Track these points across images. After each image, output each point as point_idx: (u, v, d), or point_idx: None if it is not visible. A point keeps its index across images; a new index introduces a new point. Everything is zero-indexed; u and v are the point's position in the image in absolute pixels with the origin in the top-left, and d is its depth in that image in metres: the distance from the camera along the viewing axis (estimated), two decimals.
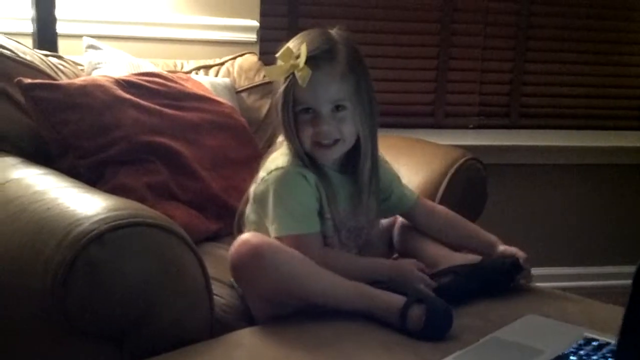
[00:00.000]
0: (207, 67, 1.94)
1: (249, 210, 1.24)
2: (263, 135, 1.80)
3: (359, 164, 1.21)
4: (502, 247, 1.30)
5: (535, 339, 0.99)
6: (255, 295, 1.10)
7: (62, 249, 0.93)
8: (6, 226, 1.06)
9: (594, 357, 0.92)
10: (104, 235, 0.93)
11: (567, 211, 2.62)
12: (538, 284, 1.41)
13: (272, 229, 1.16)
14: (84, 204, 1.02)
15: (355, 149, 1.21)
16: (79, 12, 1.95)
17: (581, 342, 0.97)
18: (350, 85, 1.17)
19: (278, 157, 1.20)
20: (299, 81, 1.12)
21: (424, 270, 1.19)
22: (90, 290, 0.93)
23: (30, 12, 1.80)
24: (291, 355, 0.97)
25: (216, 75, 1.93)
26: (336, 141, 1.18)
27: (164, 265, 0.98)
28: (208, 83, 1.82)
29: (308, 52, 1.12)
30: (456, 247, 1.32)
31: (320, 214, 1.19)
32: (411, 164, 1.65)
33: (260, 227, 1.20)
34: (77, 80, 1.55)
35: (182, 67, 1.90)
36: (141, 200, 1.26)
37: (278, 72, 1.15)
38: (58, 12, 1.82)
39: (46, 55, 1.65)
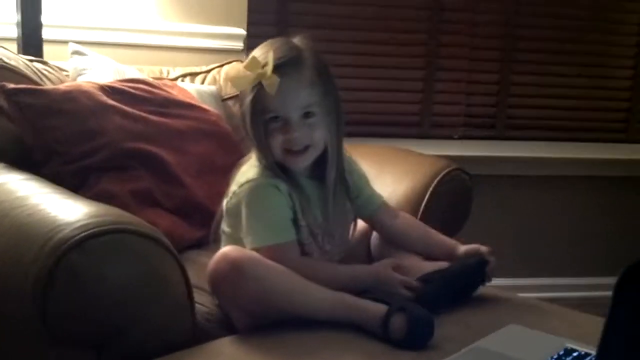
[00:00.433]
0: (193, 75, 1.94)
1: (223, 224, 1.25)
2: (249, 143, 1.80)
3: (326, 169, 1.22)
4: (463, 248, 1.30)
5: (517, 349, 1.00)
6: (235, 308, 1.09)
7: (43, 255, 0.92)
8: None
9: None
10: (85, 242, 0.92)
11: (552, 223, 2.64)
12: (521, 294, 1.41)
13: (247, 241, 1.16)
14: (65, 210, 1.01)
15: (323, 154, 1.22)
16: (64, 17, 1.94)
17: (561, 352, 0.98)
18: (318, 91, 1.18)
19: (248, 170, 1.20)
20: (268, 89, 1.12)
21: (401, 269, 1.19)
22: (71, 298, 0.92)
23: (16, 17, 1.79)
24: None
25: (202, 83, 1.93)
26: (306, 147, 1.18)
27: (145, 273, 0.97)
28: (194, 90, 1.81)
29: (275, 60, 1.12)
30: (419, 253, 1.32)
31: (295, 221, 1.19)
32: (396, 174, 1.65)
33: (235, 240, 1.20)
34: (62, 86, 1.54)
35: (168, 74, 1.90)
36: (124, 207, 1.25)
37: (244, 81, 1.15)
38: (44, 18, 1.81)
39: (31, 61, 1.64)
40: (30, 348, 1.04)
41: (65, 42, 1.80)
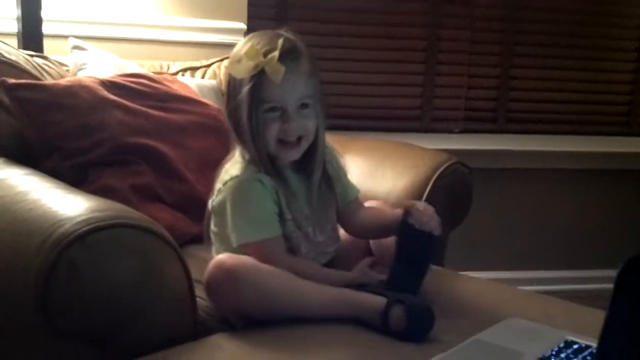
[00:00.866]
0: (193, 69, 1.94)
1: (211, 223, 1.25)
2: (233, 136, 1.79)
3: (312, 160, 1.22)
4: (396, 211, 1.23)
5: (517, 342, 1.00)
6: (233, 314, 1.09)
7: (44, 250, 0.92)
8: None
9: None
10: (86, 236, 0.92)
11: (553, 215, 2.64)
12: (521, 287, 1.41)
13: (232, 238, 1.17)
14: (66, 205, 1.01)
15: (309, 150, 1.22)
16: (64, 12, 1.94)
17: (562, 344, 0.98)
18: (313, 83, 1.19)
19: (231, 167, 1.21)
20: (273, 77, 1.12)
21: (376, 263, 1.20)
22: (72, 292, 0.92)
23: (16, 12, 1.79)
24: (274, 358, 0.96)
25: (202, 77, 1.93)
26: (300, 139, 1.18)
27: (146, 268, 0.97)
28: (194, 85, 1.81)
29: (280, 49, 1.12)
30: (381, 238, 1.28)
31: (280, 215, 1.18)
32: (397, 167, 1.65)
33: (224, 239, 1.20)
34: (62, 81, 1.54)
35: (168, 69, 1.90)
36: (125, 201, 1.25)
37: (245, 69, 1.14)
38: (44, 12, 1.81)
39: (31, 56, 1.64)
40: (32, 343, 1.05)
41: (66, 36, 1.80)
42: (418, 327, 1.03)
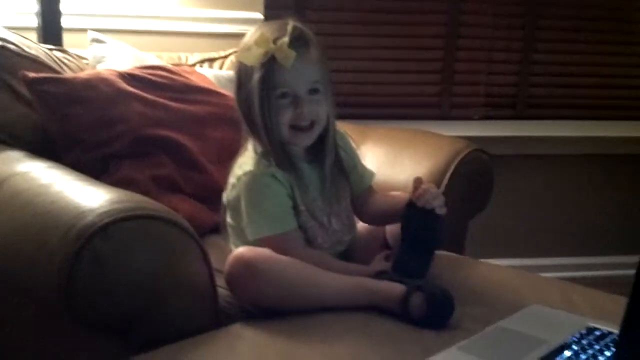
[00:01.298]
0: (211, 60, 1.94)
1: (227, 216, 1.26)
2: (245, 128, 1.80)
3: (324, 147, 1.22)
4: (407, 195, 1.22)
5: (539, 329, 0.99)
6: (254, 305, 1.10)
7: (67, 241, 0.93)
8: (11, 220, 1.07)
9: (596, 347, 0.92)
10: (108, 227, 0.93)
11: (574, 202, 2.62)
12: (543, 274, 1.41)
13: (247, 232, 1.18)
14: (88, 197, 1.02)
15: (320, 137, 1.22)
16: (83, 5, 1.95)
17: (583, 331, 0.97)
18: (323, 69, 1.19)
19: (245, 161, 1.21)
20: (283, 62, 1.13)
21: (391, 255, 1.19)
22: (95, 283, 0.93)
23: (35, 6, 1.80)
24: (294, 346, 0.97)
25: (220, 68, 1.94)
26: (312, 124, 1.19)
27: (167, 258, 0.98)
28: (212, 76, 1.82)
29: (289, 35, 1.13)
30: (390, 221, 1.28)
31: (294, 207, 1.19)
32: (416, 155, 1.65)
33: (238, 232, 1.22)
34: (82, 74, 1.55)
35: (186, 60, 1.91)
36: (145, 193, 1.26)
37: (255, 56, 1.15)
38: (63, 6, 1.82)
39: (51, 49, 1.66)
40: (56, 333, 1.06)
41: (85, 30, 1.81)
42: (438, 314, 1.03)
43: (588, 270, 2.59)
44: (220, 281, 1.09)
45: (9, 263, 1.04)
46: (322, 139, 1.23)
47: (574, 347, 0.93)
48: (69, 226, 0.95)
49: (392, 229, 1.30)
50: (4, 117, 1.46)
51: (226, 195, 1.24)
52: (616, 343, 0.89)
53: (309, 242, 1.21)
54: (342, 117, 1.31)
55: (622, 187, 2.65)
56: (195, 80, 1.70)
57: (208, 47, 2.02)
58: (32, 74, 1.44)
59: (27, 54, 1.54)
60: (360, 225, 1.34)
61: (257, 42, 1.15)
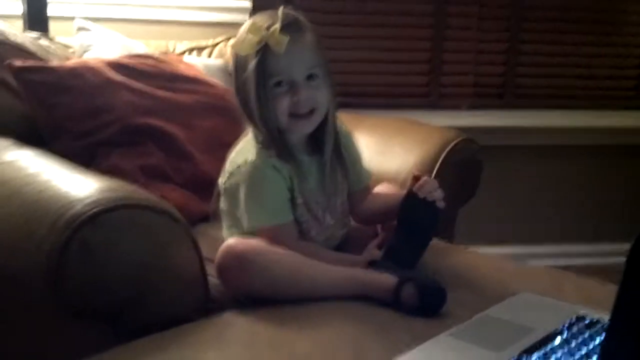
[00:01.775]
0: (199, 49, 1.93)
1: (222, 202, 1.24)
2: (245, 118, 1.79)
3: (323, 135, 1.21)
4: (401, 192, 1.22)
5: (528, 317, 1.00)
6: (245, 295, 1.09)
7: (56, 231, 0.92)
8: None
9: (586, 334, 0.93)
10: (97, 217, 0.93)
11: (561, 191, 2.63)
12: (532, 262, 1.41)
13: (244, 221, 1.17)
14: (76, 186, 1.01)
15: (320, 126, 1.21)
16: None
17: (573, 319, 0.98)
18: (319, 55, 1.18)
19: (245, 149, 1.20)
20: (276, 48, 1.11)
21: (384, 243, 1.19)
22: (84, 272, 0.92)
23: None
24: (285, 334, 0.97)
25: (209, 57, 1.93)
26: (312, 111, 1.17)
27: (157, 247, 0.98)
28: (201, 64, 1.81)
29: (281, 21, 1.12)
30: (385, 219, 1.27)
31: (292, 199, 1.18)
32: (405, 145, 1.65)
33: (233, 219, 1.21)
34: (68, 63, 1.54)
35: (174, 49, 1.90)
36: (134, 182, 1.26)
37: (249, 45, 1.13)
38: None
39: (37, 38, 1.64)
40: (45, 322, 1.06)
41: (71, 18, 1.79)
42: (430, 304, 1.03)
43: (577, 257, 2.61)
44: (210, 270, 1.09)
45: None
46: (322, 127, 1.21)
47: (564, 334, 0.93)
48: (58, 215, 0.94)
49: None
50: None
51: (223, 182, 1.23)
52: (606, 330, 0.89)
53: (303, 234, 1.21)
54: None
55: (610, 176, 2.67)
56: (183, 69, 1.69)
57: (196, 36, 2.01)
58: (18, 63, 1.43)
59: (13, 42, 1.52)
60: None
61: (250, 31, 1.14)
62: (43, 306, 1.02)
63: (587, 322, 0.97)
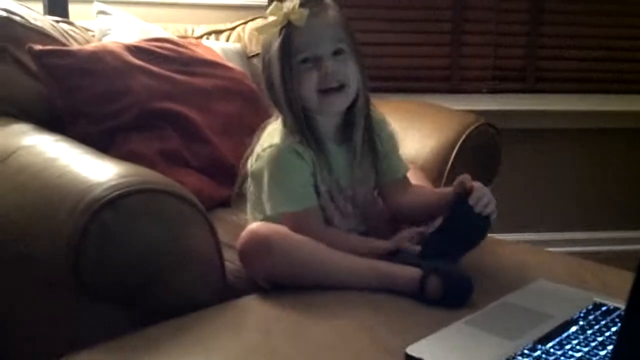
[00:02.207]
0: (217, 32, 1.93)
1: (249, 183, 1.24)
2: (272, 102, 1.79)
3: (354, 127, 1.19)
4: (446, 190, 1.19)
5: (545, 304, 0.99)
6: (266, 282, 1.09)
7: (75, 215, 0.93)
8: (18, 193, 1.07)
9: (603, 322, 0.92)
10: (116, 201, 0.94)
11: (583, 176, 2.60)
12: (550, 249, 1.41)
13: (267, 206, 1.17)
14: (95, 170, 1.02)
15: (350, 109, 1.19)
16: None
17: (590, 307, 0.97)
18: (344, 29, 1.16)
19: (273, 133, 1.18)
20: (297, 22, 1.11)
21: (417, 236, 1.15)
22: (103, 255, 0.94)
23: None
24: (302, 322, 0.97)
25: (227, 41, 1.92)
26: (342, 87, 1.15)
27: (175, 231, 0.98)
28: (219, 48, 1.81)
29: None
30: (424, 217, 1.22)
31: (316, 187, 1.17)
32: (424, 129, 1.64)
33: (257, 203, 1.21)
34: (88, 47, 1.54)
35: (192, 33, 1.89)
36: (152, 166, 1.26)
37: (270, 26, 1.13)
38: None
39: (57, 22, 1.65)
40: (65, 305, 1.07)
41: (91, 1, 1.79)
42: (455, 296, 1.02)
43: (597, 245, 2.59)
44: (228, 255, 1.10)
45: (15, 236, 1.05)
46: (352, 111, 1.19)
47: (581, 322, 0.93)
48: (77, 200, 0.95)
49: None
50: (10, 90, 1.46)
51: (251, 164, 1.22)
52: (622, 319, 0.89)
53: (327, 222, 1.19)
54: None
55: (633, 161, 2.63)
56: (201, 52, 1.69)
57: (214, 19, 2.01)
58: (38, 46, 1.44)
59: (33, 26, 1.53)
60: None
61: (271, 12, 1.14)
62: (62, 289, 1.03)
63: (604, 309, 0.97)
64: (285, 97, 1.14)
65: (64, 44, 1.56)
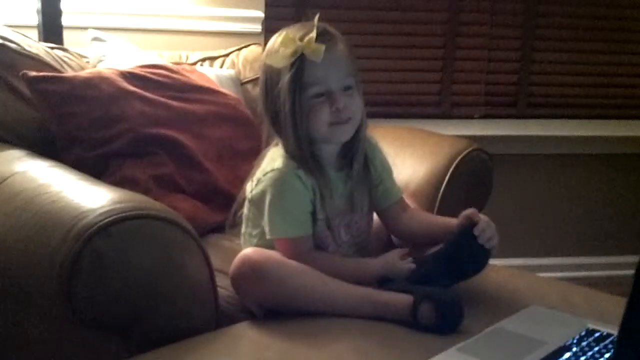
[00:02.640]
0: (212, 59, 1.94)
1: (246, 208, 1.24)
2: (273, 129, 1.80)
3: (355, 152, 1.20)
4: (456, 221, 1.19)
5: (538, 330, 1.00)
6: (258, 307, 1.09)
7: (68, 241, 0.93)
8: (12, 219, 1.07)
9: (596, 349, 0.92)
10: (110, 227, 0.94)
11: (574, 201, 2.62)
12: (542, 274, 1.41)
13: (265, 230, 1.17)
14: (89, 196, 1.03)
15: (351, 138, 1.20)
16: (84, 4, 1.95)
17: (583, 333, 0.97)
18: (352, 63, 1.18)
19: (275, 158, 1.19)
20: (314, 57, 1.11)
21: (410, 255, 1.16)
22: (96, 282, 0.93)
23: (36, 4, 1.80)
24: (296, 348, 0.97)
25: (221, 67, 1.94)
26: (348, 119, 1.17)
27: (168, 258, 0.98)
28: (213, 75, 1.82)
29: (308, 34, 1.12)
30: (425, 244, 1.23)
31: (313, 214, 1.17)
32: (416, 155, 1.65)
33: (256, 227, 1.21)
34: (83, 73, 1.55)
35: (187, 59, 1.91)
36: (146, 192, 1.27)
37: (283, 57, 1.13)
38: (63, 4, 1.82)
39: (51, 48, 1.66)
40: (57, 332, 1.06)
41: (85, 28, 1.81)
42: (448, 321, 1.02)
43: (588, 270, 2.59)
44: (220, 281, 1.09)
45: (8, 263, 1.04)
46: (353, 140, 1.20)
47: (574, 348, 0.93)
48: (70, 226, 0.95)
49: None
50: (4, 116, 1.46)
51: (250, 189, 1.22)
52: (615, 345, 0.89)
53: (321, 250, 1.19)
54: None
55: (622, 187, 2.65)
56: (195, 79, 1.70)
57: (209, 46, 2.02)
58: (32, 73, 1.44)
59: (28, 53, 1.54)
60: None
61: (284, 43, 1.13)
62: (55, 316, 1.02)
63: (597, 336, 0.97)
64: (293, 127, 1.15)
65: (58, 71, 1.57)
